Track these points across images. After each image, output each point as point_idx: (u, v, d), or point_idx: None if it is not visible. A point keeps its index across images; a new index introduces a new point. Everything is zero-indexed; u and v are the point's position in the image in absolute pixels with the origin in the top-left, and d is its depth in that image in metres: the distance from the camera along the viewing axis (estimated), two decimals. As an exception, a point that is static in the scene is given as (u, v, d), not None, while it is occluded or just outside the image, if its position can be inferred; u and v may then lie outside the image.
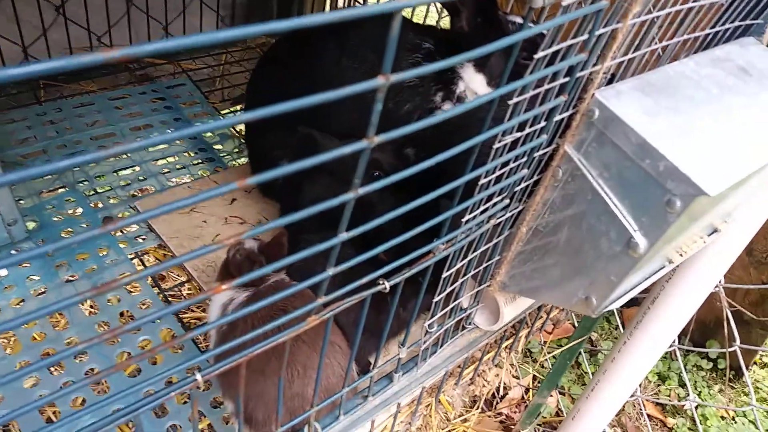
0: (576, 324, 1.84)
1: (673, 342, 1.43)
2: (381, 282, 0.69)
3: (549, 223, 0.85)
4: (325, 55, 1.14)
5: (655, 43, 0.80)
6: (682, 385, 2.16)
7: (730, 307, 2.10)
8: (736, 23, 0.90)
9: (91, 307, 1.17)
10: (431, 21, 1.57)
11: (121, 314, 1.16)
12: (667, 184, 0.68)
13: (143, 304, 1.18)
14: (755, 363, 2.25)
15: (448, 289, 0.88)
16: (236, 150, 1.57)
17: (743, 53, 0.88)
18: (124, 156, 1.48)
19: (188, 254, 0.45)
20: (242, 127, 1.67)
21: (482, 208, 0.76)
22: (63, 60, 0.27)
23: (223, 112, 1.75)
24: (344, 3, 1.82)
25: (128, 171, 1.45)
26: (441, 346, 1.02)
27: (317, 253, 1.11)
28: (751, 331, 2.08)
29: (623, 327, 2.03)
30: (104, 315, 1.14)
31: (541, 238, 0.87)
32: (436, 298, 0.87)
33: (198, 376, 0.54)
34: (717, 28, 0.89)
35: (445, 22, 1.57)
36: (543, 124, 0.70)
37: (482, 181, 0.71)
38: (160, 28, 1.83)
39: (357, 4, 1.77)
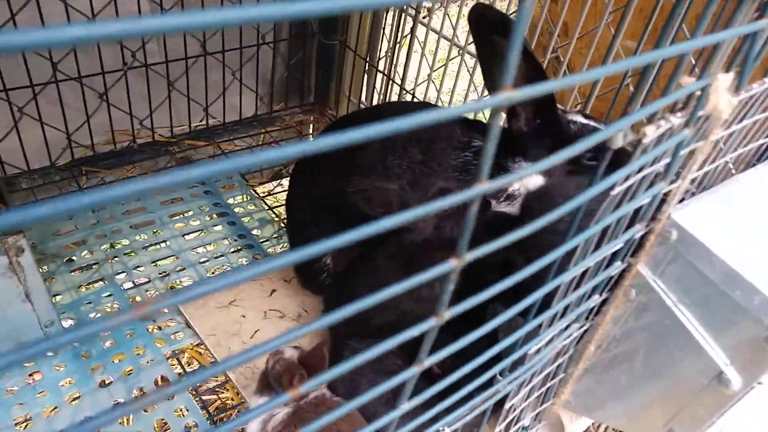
0: None
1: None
2: (441, 429, 0.62)
3: (621, 343, 0.77)
4: (369, 148, 1.11)
5: (730, 153, 0.73)
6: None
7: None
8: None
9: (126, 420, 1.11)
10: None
11: (158, 421, 1.10)
12: (765, 320, 0.60)
13: (179, 411, 1.12)
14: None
15: (510, 418, 0.80)
16: (275, 236, 1.54)
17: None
18: (163, 245, 1.46)
19: (225, 363, 0.38)
20: (281, 210, 1.64)
21: (548, 338, 0.69)
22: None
23: (259, 190, 1.73)
24: (381, 84, 1.81)
25: (167, 261, 1.42)
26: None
27: (368, 361, 1.03)
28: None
29: None
30: (139, 424, 1.08)
31: (612, 358, 0.79)
32: (497, 429, 0.79)
33: None
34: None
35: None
36: (619, 246, 0.63)
37: (554, 310, 0.64)
38: (200, 110, 1.84)
39: (394, 84, 1.75)
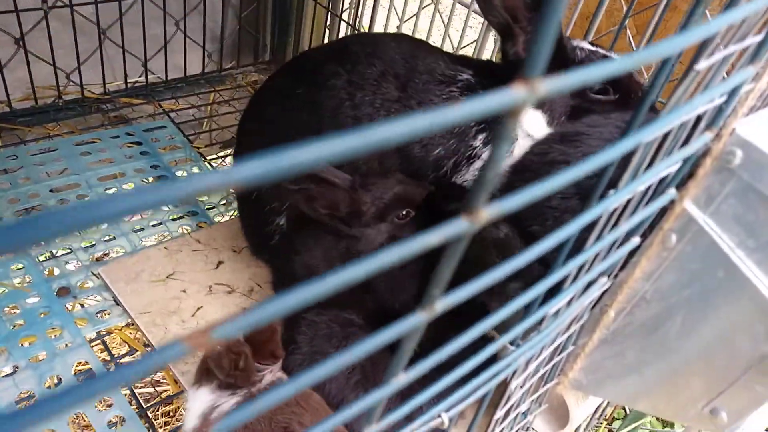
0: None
1: None
2: (440, 416, 0.45)
3: (652, 307, 0.62)
4: (335, 87, 0.93)
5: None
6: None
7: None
8: None
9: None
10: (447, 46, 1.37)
11: (73, 418, 0.90)
12: None
13: (102, 404, 0.92)
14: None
15: (513, 400, 0.63)
16: (223, 202, 1.34)
17: None
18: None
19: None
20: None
21: (568, 298, 0.53)
22: None
23: (209, 157, 1.53)
24: (346, 31, 1.62)
25: (93, 229, 1.21)
26: (492, 463, 0.77)
27: (330, 337, 0.84)
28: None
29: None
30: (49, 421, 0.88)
31: (638, 326, 0.64)
32: (499, 413, 0.63)
33: None
34: None
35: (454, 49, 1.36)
36: (671, 171, 0.48)
37: (581, 261, 0.48)
38: (139, 65, 1.62)
39: (357, 31, 1.57)
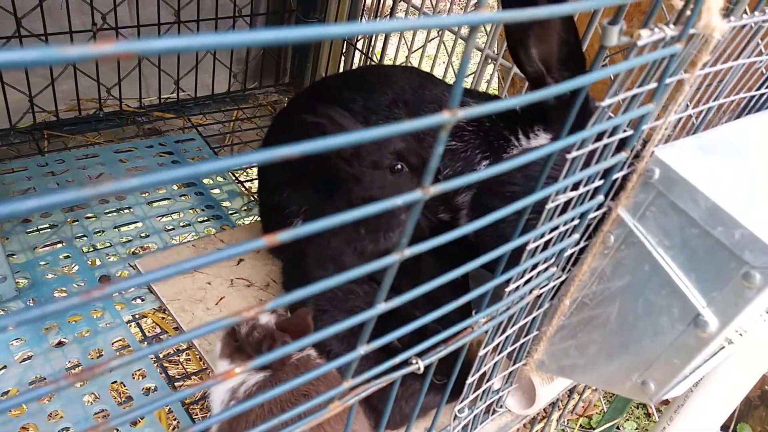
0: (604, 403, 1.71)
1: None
2: (414, 361, 0.59)
3: (597, 296, 0.76)
4: (353, 110, 1.08)
5: (711, 102, 0.73)
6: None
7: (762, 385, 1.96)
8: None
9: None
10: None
11: (113, 384, 1.05)
12: (744, 255, 0.59)
13: (138, 374, 1.07)
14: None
15: (483, 369, 0.77)
16: (245, 208, 1.50)
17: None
18: (127, 211, 1.40)
19: (196, 330, 0.37)
20: (253, 184, 1.60)
21: (527, 277, 0.67)
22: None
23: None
24: (360, 60, 1.79)
25: (130, 227, 1.36)
26: (469, 432, 0.91)
27: (333, 300, 0.99)
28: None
29: (655, 409, 1.88)
30: (93, 386, 1.03)
31: (586, 312, 0.77)
32: (470, 379, 0.77)
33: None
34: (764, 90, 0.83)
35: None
36: (600, 183, 0.62)
37: (530, 246, 0.62)
38: (172, 83, 1.80)
39: (372, 61, 1.74)
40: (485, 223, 0.45)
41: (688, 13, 0.51)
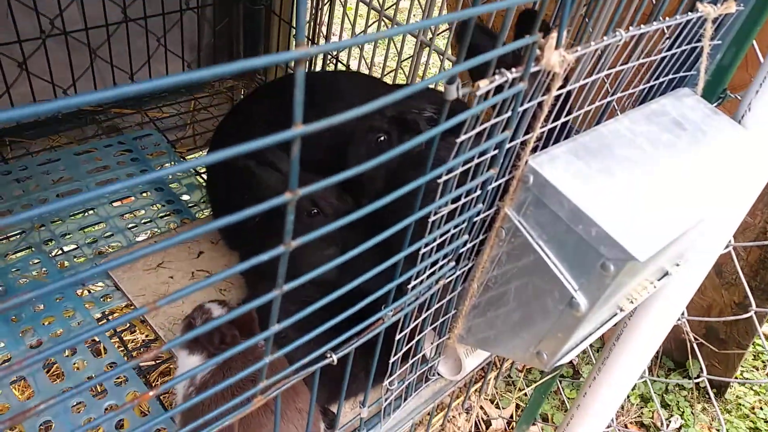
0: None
1: (644, 373, 1.44)
2: (329, 355, 0.70)
3: (498, 279, 0.86)
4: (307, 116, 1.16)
5: (589, 105, 0.82)
6: (665, 405, 2.18)
7: (706, 325, 2.12)
8: (671, 75, 0.93)
9: (57, 376, 1.16)
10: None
11: (89, 379, 1.16)
12: (600, 249, 0.70)
13: (110, 367, 1.17)
14: (736, 378, 2.27)
15: (404, 349, 0.89)
16: (204, 200, 1.58)
17: (678, 105, 0.91)
18: (91, 212, 1.48)
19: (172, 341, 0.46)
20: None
21: (428, 272, 0.78)
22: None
23: (189, 158, 1.76)
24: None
25: (95, 228, 1.45)
26: (405, 400, 1.03)
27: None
28: (728, 348, 2.10)
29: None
30: (70, 381, 1.13)
31: (491, 293, 0.88)
32: (392, 359, 0.88)
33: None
34: (652, 82, 0.92)
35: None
36: (478, 193, 0.72)
37: (423, 250, 0.72)
38: (126, 78, 1.84)
39: (331, 63, 1.79)
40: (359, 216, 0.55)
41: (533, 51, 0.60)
